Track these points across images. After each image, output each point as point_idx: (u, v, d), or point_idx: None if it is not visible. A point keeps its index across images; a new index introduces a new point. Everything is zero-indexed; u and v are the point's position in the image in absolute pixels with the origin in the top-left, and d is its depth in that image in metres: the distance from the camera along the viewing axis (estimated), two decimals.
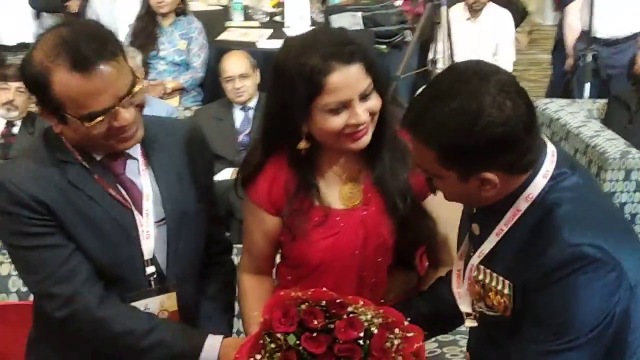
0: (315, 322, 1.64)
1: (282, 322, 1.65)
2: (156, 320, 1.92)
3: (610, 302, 1.56)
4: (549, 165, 1.63)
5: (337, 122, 1.81)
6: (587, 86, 5.51)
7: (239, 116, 4.72)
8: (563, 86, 5.90)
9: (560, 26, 6.29)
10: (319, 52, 1.78)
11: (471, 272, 1.73)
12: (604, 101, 5.24)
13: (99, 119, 1.73)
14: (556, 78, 6.29)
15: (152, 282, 1.93)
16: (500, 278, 1.66)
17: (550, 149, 1.66)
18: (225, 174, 4.50)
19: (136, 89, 1.77)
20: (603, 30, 5.67)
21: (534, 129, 1.58)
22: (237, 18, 6.04)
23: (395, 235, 1.94)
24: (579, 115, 4.91)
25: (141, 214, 1.90)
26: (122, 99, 1.74)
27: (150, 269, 1.93)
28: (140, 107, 1.82)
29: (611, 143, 4.48)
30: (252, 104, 4.72)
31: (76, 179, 1.84)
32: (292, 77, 1.79)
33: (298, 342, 1.63)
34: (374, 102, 1.85)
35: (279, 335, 1.64)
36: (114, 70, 1.72)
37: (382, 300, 1.92)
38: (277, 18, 6.10)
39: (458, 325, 2.02)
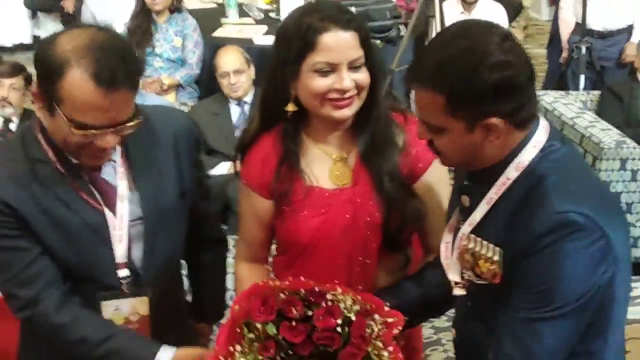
0: (294, 312, 1.64)
1: (262, 312, 1.64)
2: (113, 329, 1.90)
3: (597, 270, 1.57)
4: (540, 136, 1.66)
5: (322, 83, 1.85)
6: (582, 78, 5.51)
7: (235, 111, 4.75)
8: (558, 78, 5.90)
9: (555, 20, 6.29)
10: (319, 14, 1.85)
11: (461, 241, 1.75)
12: (597, 92, 5.23)
13: (85, 131, 1.70)
14: (551, 71, 6.29)
15: (125, 286, 1.92)
16: (491, 246, 1.67)
17: (543, 122, 1.69)
18: (222, 169, 4.51)
19: (132, 123, 1.75)
20: (597, 22, 5.66)
21: (534, 80, 1.64)
22: (232, 15, 6.08)
23: (384, 214, 1.96)
24: (573, 107, 4.90)
25: (115, 216, 1.87)
26: (115, 125, 1.72)
27: (123, 272, 1.91)
28: (125, 137, 1.80)
29: (606, 133, 4.48)
30: (248, 98, 4.74)
31: (47, 179, 1.81)
32: (290, 34, 1.86)
33: (276, 331, 1.63)
34: (363, 76, 1.88)
35: (257, 325, 1.64)
36: (125, 99, 1.71)
37: (359, 288, 1.92)
38: (272, 14, 6.14)
39: (447, 309, 2.04)
